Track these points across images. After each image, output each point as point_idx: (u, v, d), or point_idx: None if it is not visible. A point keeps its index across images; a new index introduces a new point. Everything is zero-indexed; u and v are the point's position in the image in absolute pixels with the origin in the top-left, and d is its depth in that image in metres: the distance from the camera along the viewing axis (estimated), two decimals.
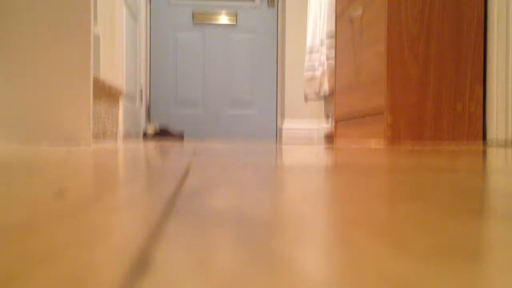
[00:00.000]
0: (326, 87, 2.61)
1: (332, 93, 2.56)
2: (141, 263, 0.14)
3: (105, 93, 1.94)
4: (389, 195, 0.32)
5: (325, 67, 2.59)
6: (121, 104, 2.52)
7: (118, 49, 2.62)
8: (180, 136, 3.37)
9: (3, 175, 0.46)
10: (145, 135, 3.25)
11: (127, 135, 2.91)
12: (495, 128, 1.67)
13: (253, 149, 1.24)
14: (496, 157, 0.89)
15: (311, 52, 2.82)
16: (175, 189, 0.32)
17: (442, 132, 1.70)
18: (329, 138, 2.64)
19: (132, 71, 3.14)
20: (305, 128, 3.53)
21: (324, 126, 3.16)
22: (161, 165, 0.61)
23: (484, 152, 1.05)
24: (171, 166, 0.57)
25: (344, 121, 2.23)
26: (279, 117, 3.64)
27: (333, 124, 2.51)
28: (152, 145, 1.65)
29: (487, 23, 1.71)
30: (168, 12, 3.65)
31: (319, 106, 3.29)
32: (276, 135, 3.68)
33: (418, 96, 1.70)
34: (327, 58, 2.56)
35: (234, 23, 3.68)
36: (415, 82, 1.70)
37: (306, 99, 2.85)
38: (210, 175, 0.44)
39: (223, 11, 3.68)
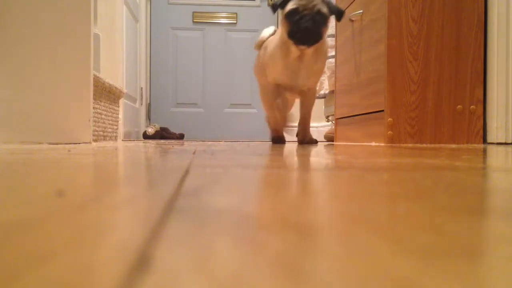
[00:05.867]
0: (326, 86, 2.62)
1: (332, 92, 2.56)
2: (142, 262, 0.14)
3: (106, 92, 1.94)
4: (389, 193, 0.32)
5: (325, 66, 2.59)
6: (122, 103, 2.52)
7: (118, 49, 2.62)
8: (180, 136, 3.37)
9: (3, 174, 0.46)
10: (145, 134, 3.25)
11: (127, 135, 2.91)
12: (495, 128, 1.67)
13: (253, 148, 1.24)
14: (496, 156, 0.89)
15: None
16: (175, 188, 0.32)
17: (442, 131, 1.70)
18: (329, 137, 2.64)
19: (132, 71, 3.14)
20: None
21: (324, 125, 3.16)
22: (161, 165, 0.61)
23: (484, 151, 1.05)
24: (171, 166, 0.57)
25: (345, 120, 2.23)
26: None
27: (333, 124, 2.51)
28: (152, 144, 1.65)
29: (487, 23, 1.71)
30: (168, 12, 3.65)
31: (319, 105, 3.29)
32: None
33: (418, 96, 1.70)
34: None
35: (234, 22, 3.68)
36: (415, 82, 1.70)
37: None
38: (210, 174, 0.44)
39: (223, 10, 3.68)
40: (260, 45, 1.95)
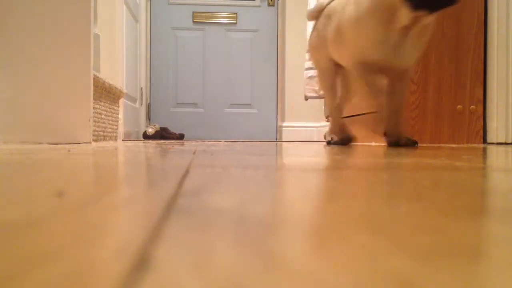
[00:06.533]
0: None
1: None
2: (141, 262, 0.14)
3: (105, 92, 1.94)
4: (389, 193, 0.32)
5: None
6: (122, 103, 2.52)
7: (118, 49, 2.62)
8: (180, 136, 3.37)
9: (3, 174, 0.46)
10: (145, 134, 3.25)
11: (127, 135, 2.91)
12: (495, 128, 1.67)
13: (253, 148, 1.24)
14: (496, 156, 0.89)
15: None
16: (175, 188, 0.32)
17: (442, 131, 1.70)
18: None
19: (132, 71, 3.14)
20: (305, 127, 3.53)
21: (324, 125, 3.16)
22: (161, 165, 0.61)
23: (484, 151, 1.05)
24: (171, 166, 0.57)
25: (345, 120, 2.22)
26: (279, 116, 3.64)
27: None
28: (152, 144, 1.65)
29: (487, 23, 1.71)
30: (168, 12, 3.65)
31: (319, 105, 3.30)
32: (276, 134, 3.68)
33: (418, 96, 1.70)
34: None
35: (234, 22, 3.68)
36: (415, 82, 1.70)
37: (306, 98, 2.85)
38: (211, 174, 0.44)
39: (223, 10, 3.68)
40: (317, 14, 1.59)
